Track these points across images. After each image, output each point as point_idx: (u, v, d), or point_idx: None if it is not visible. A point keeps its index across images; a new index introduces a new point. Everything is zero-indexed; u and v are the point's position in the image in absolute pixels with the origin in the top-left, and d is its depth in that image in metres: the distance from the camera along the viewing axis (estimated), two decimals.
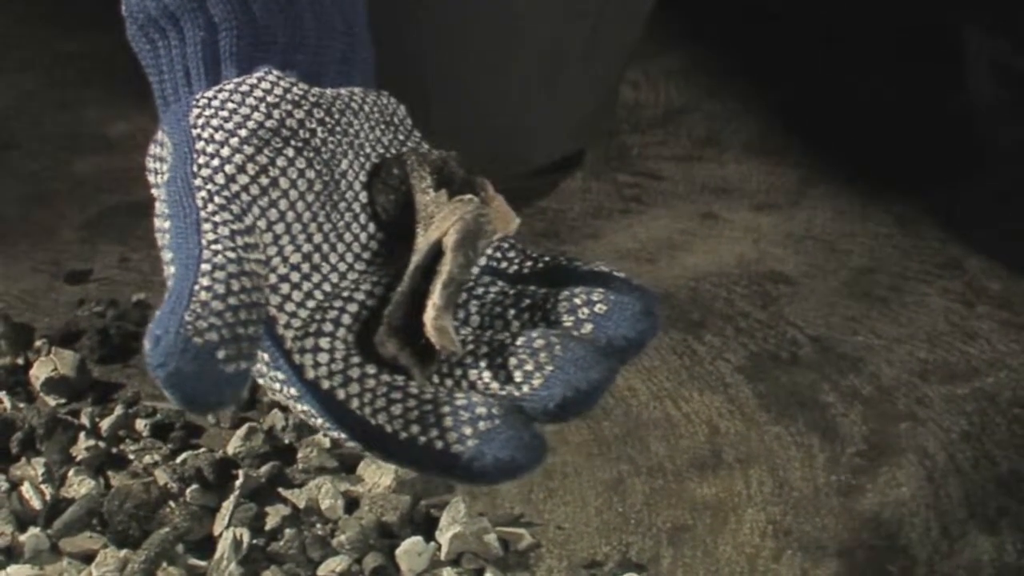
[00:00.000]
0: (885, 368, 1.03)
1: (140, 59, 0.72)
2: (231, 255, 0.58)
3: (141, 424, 0.94)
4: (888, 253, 1.17)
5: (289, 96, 0.66)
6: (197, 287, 0.56)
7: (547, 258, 0.67)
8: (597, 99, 1.17)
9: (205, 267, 0.57)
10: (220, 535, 0.83)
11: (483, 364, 0.61)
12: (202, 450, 0.91)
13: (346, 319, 0.62)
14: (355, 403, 0.59)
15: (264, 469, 0.89)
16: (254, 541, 0.83)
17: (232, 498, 0.85)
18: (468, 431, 0.57)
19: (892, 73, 1.41)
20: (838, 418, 0.97)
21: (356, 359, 0.61)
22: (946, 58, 1.24)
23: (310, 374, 0.60)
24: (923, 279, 1.14)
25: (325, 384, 0.60)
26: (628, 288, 0.63)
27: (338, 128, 0.67)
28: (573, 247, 1.16)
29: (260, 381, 0.61)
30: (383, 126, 0.70)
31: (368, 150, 0.68)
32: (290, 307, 0.61)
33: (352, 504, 0.87)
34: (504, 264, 0.67)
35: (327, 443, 0.91)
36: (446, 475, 0.58)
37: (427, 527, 0.86)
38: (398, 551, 0.83)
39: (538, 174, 1.14)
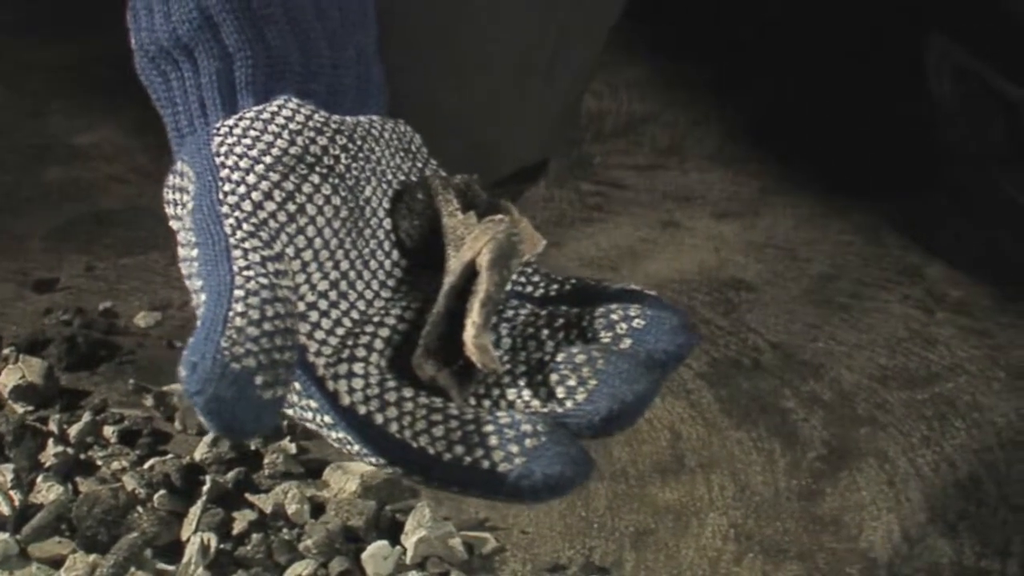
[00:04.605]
0: (845, 374, 1.04)
1: (151, 92, 0.71)
2: (263, 281, 0.57)
3: (109, 431, 0.94)
4: (848, 260, 1.18)
5: (311, 123, 0.65)
6: (231, 313, 0.55)
7: (574, 280, 0.67)
8: (561, 110, 1.17)
9: (238, 293, 0.56)
10: (188, 540, 0.84)
11: (522, 383, 0.60)
12: (169, 456, 0.91)
13: (378, 344, 0.61)
14: (394, 427, 0.58)
15: (231, 475, 0.89)
16: (221, 546, 0.84)
17: (199, 503, 0.86)
18: (515, 449, 0.56)
19: (852, 80, 1.42)
20: (799, 423, 0.98)
21: (392, 383, 0.60)
22: (905, 64, 1.25)
23: (345, 400, 0.59)
24: (883, 286, 1.15)
25: (362, 409, 0.58)
26: (661, 304, 0.63)
27: (360, 155, 0.66)
28: (537, 256, 1.16)
29: (289, 412, 0.60)
30: (402, 153, 0.69)
31: (390, 177, 0.67)
32: (320, 335, 0.60)
33: (318, 509, 0.88)
34: (530, 288, 0.67)
35: (293, 449, 0.92)
36: (491, 496, 0.57)
37: (392, 531, 0.86)
38: (364, 555, 0.83)
39: (502, 184, 1.15)
